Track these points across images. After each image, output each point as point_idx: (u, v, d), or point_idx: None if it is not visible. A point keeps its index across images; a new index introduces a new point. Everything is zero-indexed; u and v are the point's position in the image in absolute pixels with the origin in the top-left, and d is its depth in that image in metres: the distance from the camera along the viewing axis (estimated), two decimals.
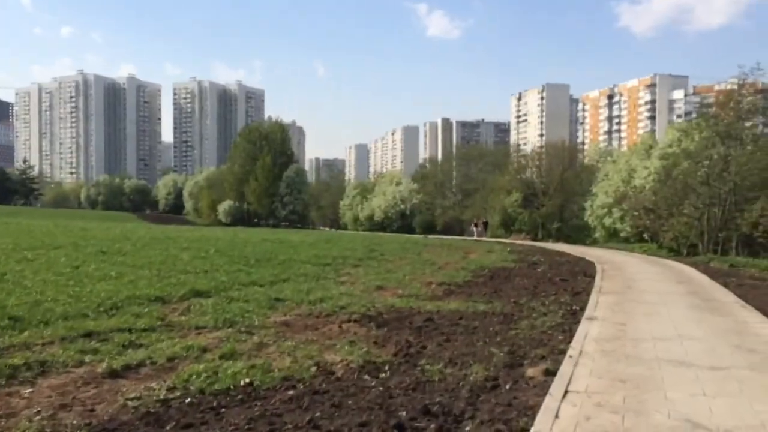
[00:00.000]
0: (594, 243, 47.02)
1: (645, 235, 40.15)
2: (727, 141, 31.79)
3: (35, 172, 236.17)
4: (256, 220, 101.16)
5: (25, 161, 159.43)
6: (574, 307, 11.79)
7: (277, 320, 8.89)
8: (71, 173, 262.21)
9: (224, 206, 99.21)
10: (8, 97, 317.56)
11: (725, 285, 16.04)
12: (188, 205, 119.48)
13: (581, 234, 55.42)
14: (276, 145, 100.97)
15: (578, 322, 10.09)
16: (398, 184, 79.84)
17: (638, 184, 40.68)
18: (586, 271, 18.93)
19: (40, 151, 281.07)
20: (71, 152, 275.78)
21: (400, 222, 77.10)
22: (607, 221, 44.76)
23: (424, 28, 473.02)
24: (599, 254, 27.79)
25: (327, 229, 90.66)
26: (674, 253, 34.64)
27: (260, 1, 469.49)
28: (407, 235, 48.95)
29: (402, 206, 76.78)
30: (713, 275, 18.90)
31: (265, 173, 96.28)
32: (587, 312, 11.11)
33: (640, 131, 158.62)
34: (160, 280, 11.49)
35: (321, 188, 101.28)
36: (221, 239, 22.68)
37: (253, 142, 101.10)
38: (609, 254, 28.55)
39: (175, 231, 29.79)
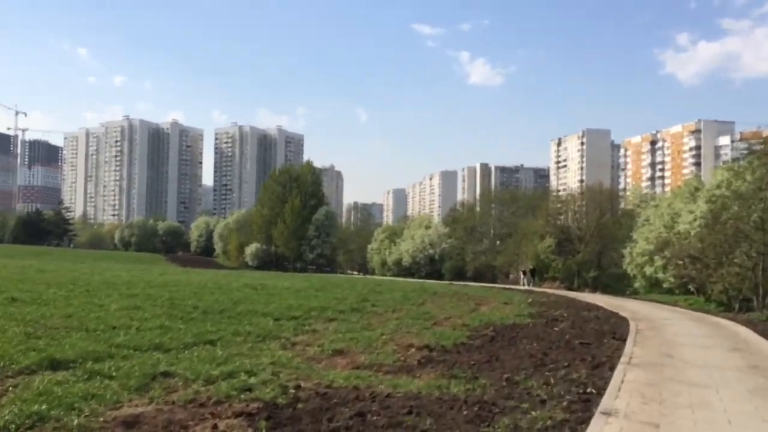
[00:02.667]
0: (634, 294, 42.99)
1: (690, 287, 36.09)
2: None
3: (73, 213, 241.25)
4: (285, 263, 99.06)
5: (60, 203, 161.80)
6: (588, 390, 8.58)
7: (124, 414, 5.93)
8: (113, 215, 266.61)
9: (251, 249, 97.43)
10: (58, 141, 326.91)
11: None
12: (218, 247, 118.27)
13: (620, 284, 51.29)
14: (306, 188, 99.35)
15: (589, 419, 6.89)
16: (428, 227, 76.72)
17: (682, 229, 36.76)
18: (617, 331, 15.50)
19: (86, 193, 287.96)
20: (114, 195, 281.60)
21: (429, 267, 73.68)
22: (648, 270, 40.71)
23: (466, 75, 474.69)
24: (636, 308, 24.16)
25: (355, 273, 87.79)
26: (724, 308, 30.59)
27: (306, 50, 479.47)
28: (426, 281, 45.59)
29: (431, 251, 73.48)
30: None
31: (293, 216, 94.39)
32: (605, 399, 7.88)
33: (685, 178, 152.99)
34: (23, 341, 8.71)
35: (350, 232, 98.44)
36: (198, 284, 19.99)
37: (283, 185, 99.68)
38: (648, 309, 24.87)
39: (173, 274, 27.32)
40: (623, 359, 11.27)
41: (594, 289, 50.85)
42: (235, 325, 12.02)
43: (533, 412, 7.04)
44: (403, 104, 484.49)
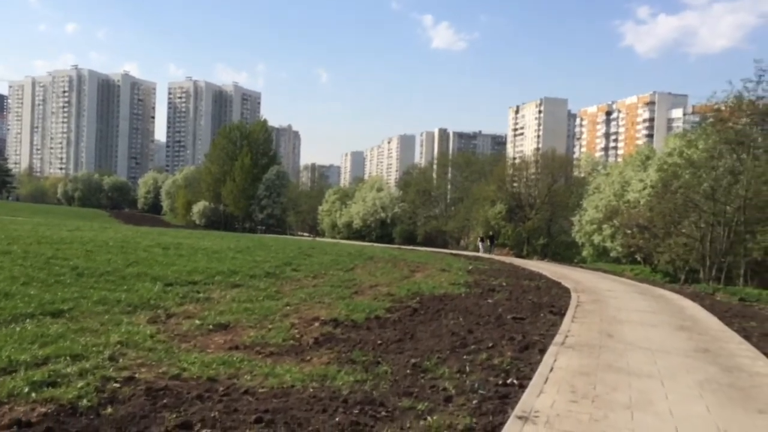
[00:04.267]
0: (582, 262, 42.34)
1: (637, 257, 35.49)
2: (738, 149, 27.09)
3: (18, 165, 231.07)
4: (234, 223, 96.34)
5: (0, 153, 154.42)
6: (509, 381, 7.08)
7: None
8: (61, 169, 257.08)
9: (199, 207, 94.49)
10: (3, 90, 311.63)
11: (747, 336, 11.29)
12: (165, 204, 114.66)
13: (569, 252, 50.79)
14: (258, 146, 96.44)
15: (500, 427, 5.34)
16: (379, 190, 74.91)
17: (632, 198, 36.01)
18: (556, 304, 14.13)
19: (32, 145, 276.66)
20: (62, 147, 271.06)
21: (380, 231, 72.17)
22: (596, 239, 40.03)
23: (429, 39, 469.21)
24: (581, 278, 23.03)
25: (305, 235, 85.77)
26: (670, 278, 29.99)
27: (267, 7, 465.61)
28: (371, 245, 44.03)
29: (382, 214, 71.83)
30: (724, 315, 14.16)
31: (243, 174, 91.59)
32: (526, 396, 6.36)
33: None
34: None
35: (301, 192, 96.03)
36: (103, 241, 17.84)
37: (234, 142, 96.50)
38: (593, 278, 23.78)
39: (88, 230, 24.96)
40: (557, 339, 9.82)
41: (543, 256, 50.19)
42: (107, 291, 10.13)
43: (429, 417, 5.44)
44: (365, 67, 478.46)
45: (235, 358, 7.05)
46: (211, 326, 8.72)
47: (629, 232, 34.12)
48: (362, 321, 10.15)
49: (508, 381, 7.10)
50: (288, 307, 10.81)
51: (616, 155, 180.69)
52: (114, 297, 9.68)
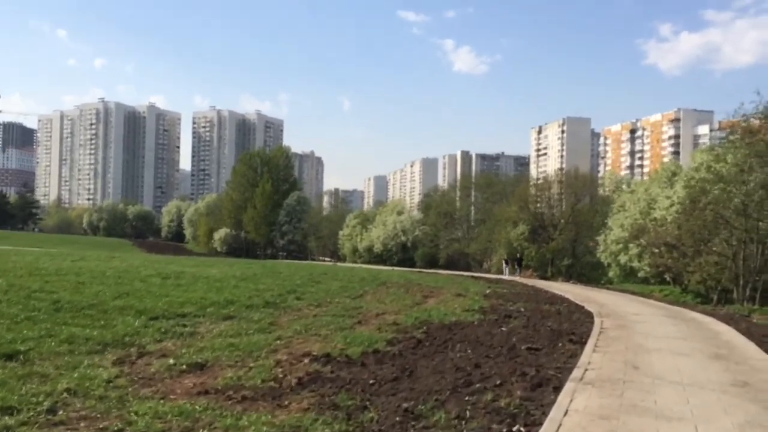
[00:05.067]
0: (609, 283, 40.84)
1: (666, 277, 33.95)
2: None
3: (47, 197, 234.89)
4: (256, 250, 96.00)
5: (25, 185, 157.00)
6: (515, 429, 6.07)
7: None
8: (88, 200, 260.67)
9: (220, 234, 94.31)
10: (33, 124, 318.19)
11: None
12: (188, 232, 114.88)
13: (595, 273, 49.14)
14: (278, 172, 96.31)
15: None
16: (400, 213, 73.96)
17: (659, 216, 34.57)
18: (577, 330, 13.03)
19: (60, 177, 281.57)
20: (89, 179, 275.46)
21: (402, 254, 71.09)
22: (623, 259, 38.54)
23: (451, 63, 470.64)
24: (606, 300, 21.79)
25: (327, 260, 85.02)
26: (702, 299, 28.45)
27: (289, 36, 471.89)
28: (391, 269, 43.00)
29: (403, 238, 70.81)
30: (762, 341, 12.93)
31: (264, 200, 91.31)
32: None
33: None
34: None
35: (322, 217, 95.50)
36: (101, 272, 17.18)
37: (254, 168, 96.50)
38: (619, 301, 22.52)
39: (94, 260, 24.43)
40: (575, 373, 8.76)
41: (568, 278, 48.70)
42: (80, 328, 9.35)
43: None
44: (387, 92, 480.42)
45: (197, 407, 6.16)
46: (184, 366, 7.86)
47: (657, 251, 32.69)
48: (358, 356, 9.21)
49: (514, 429, 6.10)
50: (278, 342, 9.92)
51: (642, 173, 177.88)
52: (84, 334, 8.89)
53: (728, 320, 16.93)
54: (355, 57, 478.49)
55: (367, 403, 6.76)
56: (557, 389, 7.82)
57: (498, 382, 8.01)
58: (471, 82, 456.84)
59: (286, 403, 6.69)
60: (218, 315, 11.95)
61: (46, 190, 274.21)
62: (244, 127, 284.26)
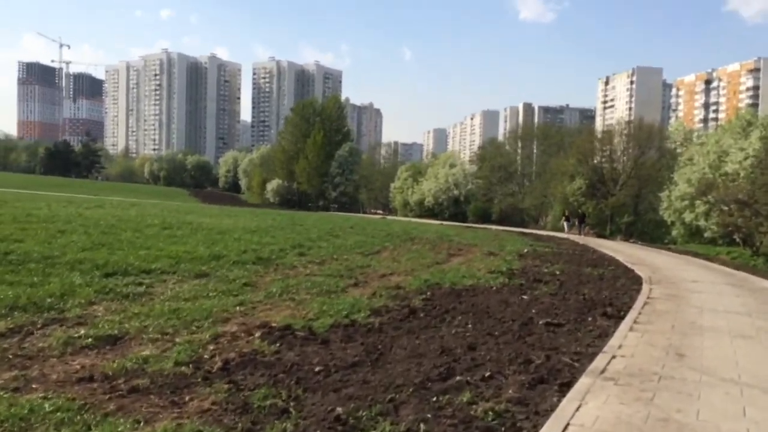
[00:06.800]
0: (673, 243, 37.79)
1: (736, 237, 30.79)
2: None
3: (115, 147, 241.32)
4: (308, 202, 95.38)
5: (88, 134, 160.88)
6: None
7: None
8: (154, 149, 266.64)
9: (272, 185, 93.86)
10: (102, 75, 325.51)
11: None
12: (243, 183, 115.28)
13: (658, 231, 45.85)
14: (331, 122, 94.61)
15: None
16: (452, 166, 71.29)
17: (731, 170, 31.22)
18: (616, 301, 10.91)
19: (127, 127, 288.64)
20: (155, 129, 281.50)
21: (454, 209, 68.66)
22: (688, 217, 35.33)
23: (517, 11, 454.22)
24: (662, 263, 19.35)
25: (379, 213, 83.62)
26: None
27: None
28: (441, 223, 40.98)
29: (455, 191, 68.32)
30: None
31: (315, 151, 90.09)
32: None
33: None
34: None
35: (374, 169, 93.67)
36: (107, 221, 15.94)
37: (306, 118, 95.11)
38: (678, 264, 20.02)
39: (124, 207, 23.51)
40: (598, 362, 6.77)
41: (628, 236, 45.67)
42: (6, 285, 7.90)
43: None
44: (449, 42, 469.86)
45: (48, 405, 4.52)
46: (90, 340, 6.27)
47: (726, 209, 29.54)
48: (325, 329, 7.45)
49: None
50: (239, 308, 8.26)
51: (717, 127, 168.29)
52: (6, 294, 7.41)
53: None
54: (418, 6, 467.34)
55: (292, 404, 4.99)
56: (565, 386, 5.88)
57: (487, 374, 6.11)
58: (537, 31, 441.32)
59: (187, 399, 5.01)
60: (192, 272, 10.39)
61: (115, 140, 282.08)
62: (303, 78, 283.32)
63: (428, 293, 10.35)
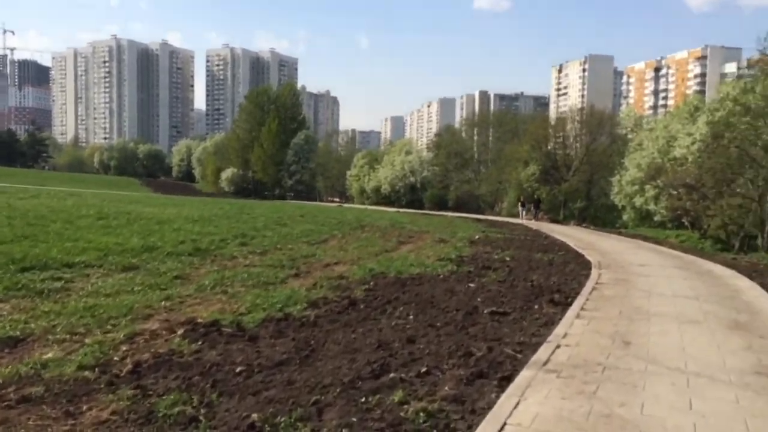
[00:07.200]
0: (624, 227, 38.26)
1: (684, 221, 31.30)
2: None
3: (65, 136, 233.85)
4: (264, 190, 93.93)
5: (33, 122, 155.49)
6: None
7: None
8: (104, 138, 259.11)
9: (227, 174, 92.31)
10: (48, 62, 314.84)
11: None
12: (197, 172, 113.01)
13: (610, 215, 46.43)
14: (286, 110, 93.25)
15: None
16: (408, 153, 71.00)
17: (679, 154, 31.55)
18: (564, 287, 10.69)
19: (76, 115, 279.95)
20: (105, 117, 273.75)
21: (410, 196, 68.46)
22: (638, 201, 35.75)
23: (471, 0, 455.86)
24: (612, 248, 19.38)
25: (335, 201, 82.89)
26: (722, 246, 25.85)
27: None
28: (397, 210, 40.66)
29: (411, 179, 68.08)
30: None
31: (271, 139, 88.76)
32: None
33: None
34: None
35: (330, 157, 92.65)
36: (31, 211, 15.03)
37: (261, 106, 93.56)
38: (627, 248, 20.08)
39: (48, 199, 22.34)
40: (541, 352, 6.47)
41: (581, 221, 46.10)
42: None
43: None
44: (406, 30, 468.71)
45: None
46: None
47: (675, 192, 29.96)
48: (255, 324, 6.98)
49: None
50: (165, 302, 7.71)
51: (666, 114, 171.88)
52: None
53: (752, 273, 14.41)
54: None
55: (203, 411, 4.50)
56: (506, 380, 5.55)
57: (424, 369, 5.73)
58: (492, 20, 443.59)
59: (84, 408, 4.48)
60: (119, 265, 9.76)
61: (64, 129, 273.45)
62: (258, 65, 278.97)
63: (371, 283, 9.93)
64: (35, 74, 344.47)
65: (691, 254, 19.64)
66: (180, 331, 6.57)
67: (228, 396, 4.86)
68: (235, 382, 5.19)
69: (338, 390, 5.05)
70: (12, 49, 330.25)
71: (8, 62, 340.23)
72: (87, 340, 5.97)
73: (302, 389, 5.04)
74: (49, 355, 5.51)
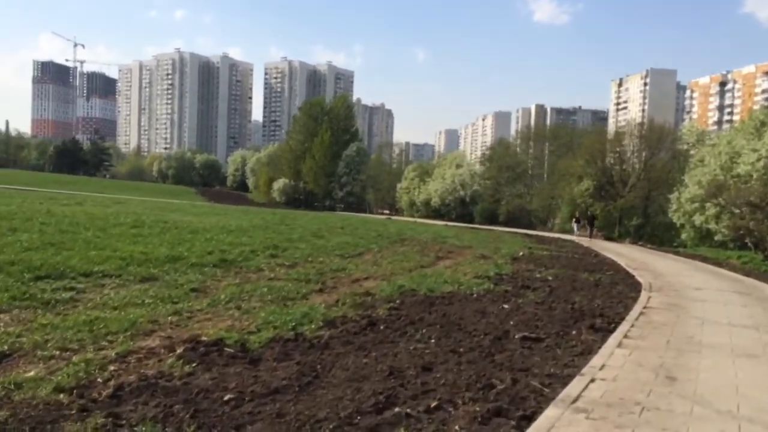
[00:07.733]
0: (683, 246, 36.53)
1: (747, 241, 29.54)
2: None
3: (125, 145, 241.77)
4: (314, 201, 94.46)
5: (97, 132, 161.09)
6: None
7: None
8: (165, 148, 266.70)
9: (279, 184, 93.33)
10: (115, 74, 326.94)
11: None
12: (250, 182, 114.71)
13: (668, 234, 44.52)
14: (338, 122, 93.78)
15: None
16: (459, 166, 70.15)
17: (743, 171, 29.96)
18: (607, 311, 9.86)
19: (139, 126, 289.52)
20: (166, 128, 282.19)
21: (460, 210, 67.57)
22: (698, 219, 34.06)
23: (531, 13, 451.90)
24: (667, 269, 18.22)
25: (385, 213, 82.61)
26: None
27: None
28: (446, 224, 39.88)
29: (461, 192, 67.19)
30: None
31: (323, 150, 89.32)
32: None
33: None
34: None
35: (381, 169, 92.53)
36: (67, 219, 15.05)
37: (314, 117, 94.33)
38: (683, 269, 18.87)
39: (93, 206, 22.61)
40: (571, 387, 5.75)
41: (637, 239, 44.35)
42: None
43: None
44: (463, 44, 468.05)
45: None
46: None
47: (737, 211, 28.35)
48: (260, 345, 6.49)
49: None
50: (173, 317, 7.30)
51: (730, 128, 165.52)
52: None
53: None
54: (431, 6, 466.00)
55: None
56: (526, 420, 4.87)
57: (435, 403, 5.11)
58: (551, 34, 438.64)
59: None
60: (138, 275, 9.47)
61: (127, 139, 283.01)
62: (314, 78, 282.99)
63: (398, 301, 9.35)
64: (102, 86, 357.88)
65: (752, 278, 18.27)
66: (179, 350, 6.14)
67: (207, 429, 4.36)
68: (221, 412, 4.70)
69: (332, 426, 4.49)
70: (82, 62, 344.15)
71: (78, 74, 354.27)
72: (75, 358, 5.59)
73: (291, 424, 4.51)
74: (30, 373, 5.15)
